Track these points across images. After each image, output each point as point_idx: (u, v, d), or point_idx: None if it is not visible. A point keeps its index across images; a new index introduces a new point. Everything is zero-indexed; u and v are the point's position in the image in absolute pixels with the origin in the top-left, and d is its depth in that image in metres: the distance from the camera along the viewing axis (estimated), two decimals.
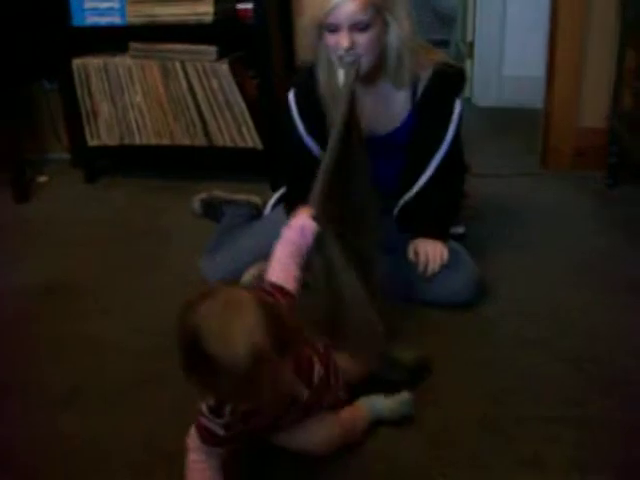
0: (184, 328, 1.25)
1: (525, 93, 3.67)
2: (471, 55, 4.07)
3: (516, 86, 3.83)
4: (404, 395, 1.61)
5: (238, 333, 1.20)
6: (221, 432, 1.38)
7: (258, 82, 2.90)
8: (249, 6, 2.79)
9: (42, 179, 3.16)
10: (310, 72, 1.99)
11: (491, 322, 1.99)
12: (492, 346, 1.90)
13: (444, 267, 2.02)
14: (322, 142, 1.89)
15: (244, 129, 2.88)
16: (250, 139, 2.89)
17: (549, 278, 2.20)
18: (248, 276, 2.14)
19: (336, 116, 1.75)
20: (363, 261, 1.72)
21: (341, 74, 1.83)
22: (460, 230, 2.25)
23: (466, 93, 4.11)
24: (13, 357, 1.95)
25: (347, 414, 1.58)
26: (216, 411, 1.36)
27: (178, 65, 2.86)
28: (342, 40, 1.80)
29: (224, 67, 2.81)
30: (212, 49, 2.83)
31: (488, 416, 1.63)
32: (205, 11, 2.77)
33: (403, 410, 1.60)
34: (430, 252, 2.01)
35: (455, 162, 2.09)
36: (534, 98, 3.21)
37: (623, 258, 2.29)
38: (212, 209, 2.45)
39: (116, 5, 2.86)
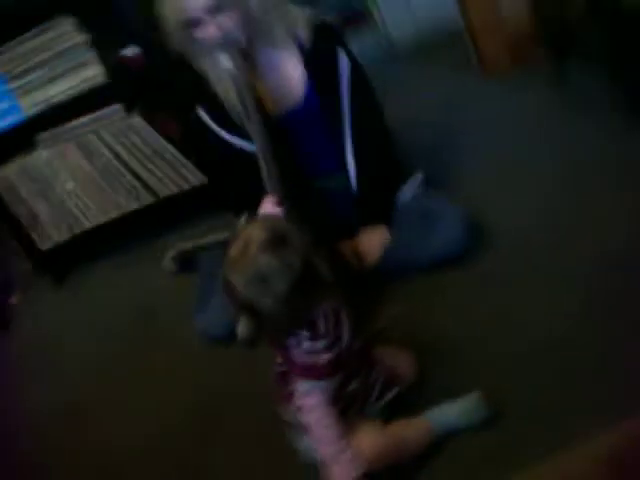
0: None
1: (439, 11, 3.50)
2: None
3: (428, 8, 3.66)
4: (473, 396, 1.49)
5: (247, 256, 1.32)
6: (325, 356, 1.41)
7: (175, 119, 2.77)
8: (136, 51, 2.66)
9: (14, 299, 3.02)
10: (201, 81, 1.99)
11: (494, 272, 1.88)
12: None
13: (434, 220, 1.93)
14: (246, 135, 1.93)
15: (182, 170, 2.75)
16: (192, 177, 2.76)
17: (533, 190, 2.09)
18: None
19: (245, 102, 1.82)
20: None
21: (225, 59, 1.84)
22: (420, 176, 2.13)
23: (380, 33, 3.92)
24: None
25: (399, 426, 1.49)
26: (313, 335, 1.40)
27: (93, 137, 2.74)
28: (210, 29, 1.81)
29: (137, 120, 2.69)
30: (117, 107, 2.70)
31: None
32: (94, 74, 2.63)
33: (476, 413, 1.47)
34: (367, 245, 1.97)
35: (374, 122, 2.04)
36: (451, 14, 3.07)
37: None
38: (187, 262, 2.35)
39: (7, 105, 2.71)
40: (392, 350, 1.66)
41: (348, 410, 1.50)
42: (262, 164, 1.79)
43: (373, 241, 1.97)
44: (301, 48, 1.95)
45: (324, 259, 1.38)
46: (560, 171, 2.12)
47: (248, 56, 1.90)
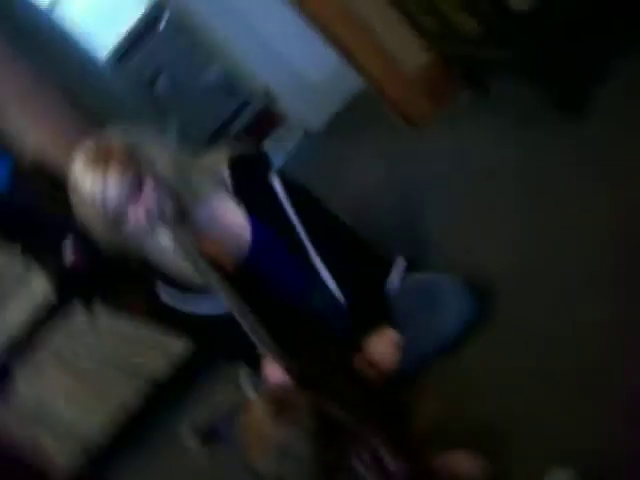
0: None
1: (341, 88, 3.44)
2: (270, 94, 3.83)
3: (326, 89, 3.60)
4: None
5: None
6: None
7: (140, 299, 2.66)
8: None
9: None
10: (150, 267, 1.89)
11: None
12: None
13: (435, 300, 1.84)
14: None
15: (167, 342, 2.65)
16: (178, 346, 2.66)
17: (508, 225, 1.98)
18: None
19: (200, 269, 1.78)
20: None
21: (164, 233, 1.77)
22: (401, 261, 1.99)
23: (295, 124, 3.84)
24: None
25: None
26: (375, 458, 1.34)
27: (64, 342, 2.66)
28: (138, 214, 1.73)
29: (100, 311, 2.61)
30: (76, 304, 2.64)
31: None
32: (41, 284, 2.57)
33: None
34: (380, 351, 1.86)
35: (334, 229, 1.96)
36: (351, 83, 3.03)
37: None
38: (209, 434, 2.22)
39: None
40: (450, 454, 1.52)
41: None
42: (241, 320, 1.72)
43: (384, 345, 1.86)
44: (231, 189, 1.88)
45: (335, 402, 1.37)
46: (524, 194, 2.02)
47: (184, 220, 1.82)
